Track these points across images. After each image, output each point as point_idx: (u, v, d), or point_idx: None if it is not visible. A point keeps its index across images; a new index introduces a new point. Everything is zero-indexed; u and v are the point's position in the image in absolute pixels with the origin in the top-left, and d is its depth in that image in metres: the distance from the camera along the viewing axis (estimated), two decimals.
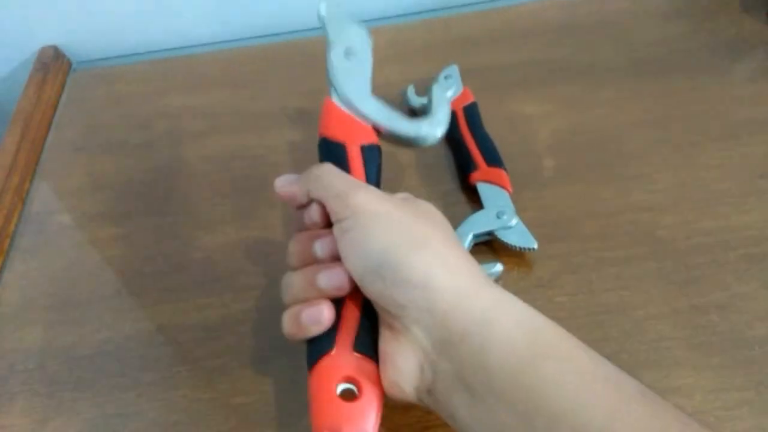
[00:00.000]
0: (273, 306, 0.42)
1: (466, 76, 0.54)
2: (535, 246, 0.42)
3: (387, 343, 0.31)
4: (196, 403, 0.38)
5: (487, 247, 0.44)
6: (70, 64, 0.63)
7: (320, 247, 0.33)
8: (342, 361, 0.31)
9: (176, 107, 0.57)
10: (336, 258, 0.33)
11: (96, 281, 0.45)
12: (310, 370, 0.31)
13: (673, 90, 0.53)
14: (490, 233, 0.43)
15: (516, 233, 0.42)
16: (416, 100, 0.53)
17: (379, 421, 0.30)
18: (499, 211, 0.43)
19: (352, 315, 0.33)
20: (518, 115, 0.53)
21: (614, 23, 0.60)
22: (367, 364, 0.31)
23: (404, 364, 0.30)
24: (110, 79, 0.61)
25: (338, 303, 0.33)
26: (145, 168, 0.52)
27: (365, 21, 0.63)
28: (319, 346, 0.32)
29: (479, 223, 0.43)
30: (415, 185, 0.49)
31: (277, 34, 0.65)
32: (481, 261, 0.41)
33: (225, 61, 0.62)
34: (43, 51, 0.63)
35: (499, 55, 0.58)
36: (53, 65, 0.61)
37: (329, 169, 0.35)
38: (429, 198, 0.35)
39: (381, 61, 0.59)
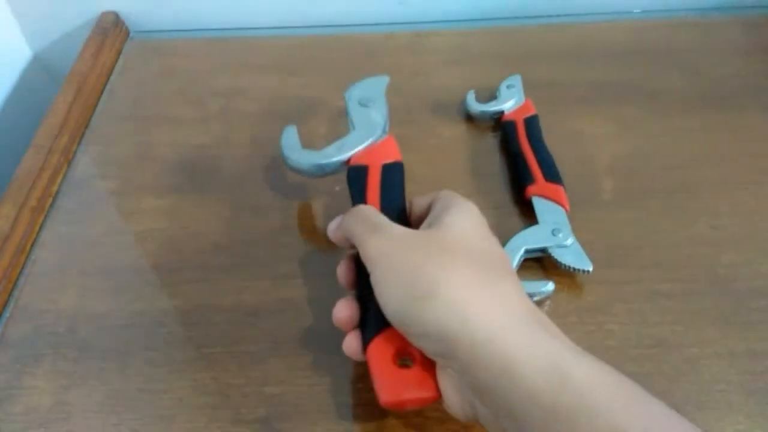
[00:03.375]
0: (312, 298, 0.41)
1: (527, 88, 0.53)
2: (590, 268, 0.40)
3: (438, 373, 0.31)
4: (226, 388, 0.37)
5: (538, 264, 0.42)
6: (128, 33, 0.63)
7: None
8: (396, 336, 0.31)
9: (229, 87, 0.57)
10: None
11: (135, 252, 0.44)
12: (366, 346, 0.33)
13: (743, 126, 0.51)
14: (543, 250, 0.42)
15: (571, 253, 0.41)
16: (476, 107, 0.52)
17: (436, 384, 0.31)
18: (555, 229, 0.42)
19: None
20: (579, 133, 0.51)
21: (685, 52, 0.58)
22: None
23: (450, 396, 0.30)
24: (166, 52, 0.61)
25: None
26: (193, 144, 0.52)
27: (428, 23, 0.63)
28: (375, 325, 0.33)
29: (533, 238, 0.42)
30: (468, 193, 0.46)
31: (335, 26, 0.64)
32: (531, 278, 0.40)
33: (282, 47, 0.61)
34: (104, 16, 0.63)
35: (562, 71, 0.56)
36: (112, 31, 0.61)
37: (353, 215, 0.35)
38: (481, 207, 0.34)
39: (442, 64, 0.59)
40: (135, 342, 0.39)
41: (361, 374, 0.37)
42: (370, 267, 0.32)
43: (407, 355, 0.32)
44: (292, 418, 0.36)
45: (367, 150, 0.41)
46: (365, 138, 0.42)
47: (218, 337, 0.39)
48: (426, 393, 0.31)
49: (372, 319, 0.33)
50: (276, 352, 0.38)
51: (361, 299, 0.35)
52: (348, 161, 0.41)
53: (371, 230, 0.33)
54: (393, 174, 0.40)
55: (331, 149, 0.42)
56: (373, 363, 0.32)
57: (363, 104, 0.45)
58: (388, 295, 0.30)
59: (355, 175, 0.40)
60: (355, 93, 0.46)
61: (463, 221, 0.33)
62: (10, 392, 0.37)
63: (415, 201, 0.37)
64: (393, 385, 0.31)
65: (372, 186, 0.39)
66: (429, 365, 0.31)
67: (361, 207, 0.36)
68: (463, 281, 0.29)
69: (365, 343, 0.33)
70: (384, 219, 0.34)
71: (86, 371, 0.38)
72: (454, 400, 0.30)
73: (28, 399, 0.37)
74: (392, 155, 0.41)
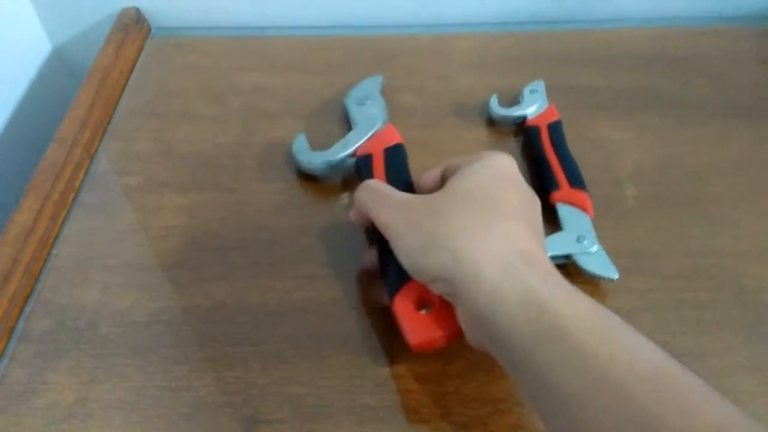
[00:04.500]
0: (335, 298, 0.41)
1: (550, 93, 0.53)
2: (616, 276, 0.40)
3: (456, 311, 0.34)
4: (249, 387, 0.37)
5: (562, 271, 0.41)
6: (149, 29, 0.63)
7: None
8: (415, 288, 0.36)
9: (251, 85, 0.57)
10: None
11: (157, 249, 0.44)
12: (392, 298, 0.36)
13: (766, 135, 0.51)
14: (567, 257, 0.41)
15: (596, 260, 0.41)
16: (499, 111, 0.51)
17: (456, 321, 0.34)
18: (580, 236, 0.42)
19: None
20: (602, 139, 0.51)
21: (708, 60, 0.58)
22: None
23: (466, 330, 0.33)
24: (188, 49, 0.61)
25: None
26: (215, 142, 0.52)
27: (450, 26, 0.63)
28: (397, 281, 0.36)
29: (558, 245, 0.42)
30: None
31: (358, 27, 0.64)
32: None
33: (302, 46, 0.61)
34: (125, 12, 0.63)
35: (586, 77, 0.56)
36: (133, 27, 0.61)
37: (362, 191, 0.38)
38: None
39: (464, 68, 0.58)
40: (157, 339, 0.39)
41: (386, 377, 0.37)
42: (386, 233, 0.35)
43: (427, 302, 0.36)
44: (315, 419, 0.36)
45: (370, 140, 0.46)
46: (367, 131, 0.46)
47: (241, 336, 0.39)
48: (446, 330, 0.34)
49: (393, 276, 0.36)
50: (299, 352, 0.38)
51: (382, 259, 0.38)
52: (354, 154, 0.45)
53: (380, 201, 0.37)
54: (395, 155, 0.44)
55: (337, 147, 0.46)
56: (400, 313, 0.36)
57: (360, 103, 0.50)
58: (403, 252, 0.34)
59: (362, 163, 0.44)
60: (353, 95, 0.51)
61: (474, 176, 0.35)
62: (32, 387, 0.37)
63: (423, 176, 0.40)
64: (418, 328, 0.35)
65: (377, 169, 0.43)
66: (447, 307, 0.34)
67: (367, 181, 0.39)
68: (458, 230, 0.33)
69: (394, 290, 0.36)
70: (389, 188, 0.38)
71: (108, 367, 0.38)
72: (468, 333, 0.33)
73: (50, 394, 0.37)
74: (393, 139, 0.45)
